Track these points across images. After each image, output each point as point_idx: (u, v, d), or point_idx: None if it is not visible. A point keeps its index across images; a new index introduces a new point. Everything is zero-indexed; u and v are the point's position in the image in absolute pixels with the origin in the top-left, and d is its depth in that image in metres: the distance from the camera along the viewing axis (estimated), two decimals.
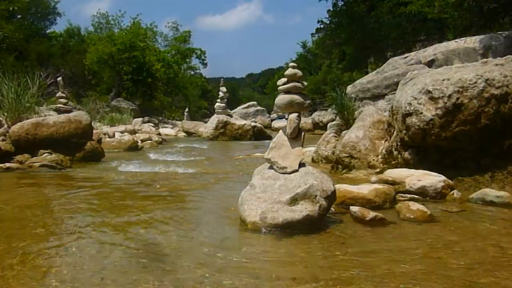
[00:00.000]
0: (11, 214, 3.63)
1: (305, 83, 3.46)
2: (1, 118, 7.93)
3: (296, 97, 3.37)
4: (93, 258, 2.50)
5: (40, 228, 3.18)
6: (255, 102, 36.47)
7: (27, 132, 6.98)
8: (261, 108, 34.90)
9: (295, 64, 3.43)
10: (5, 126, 7.66)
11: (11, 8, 20.84)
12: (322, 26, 30.75)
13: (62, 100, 11.45)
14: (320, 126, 21.26)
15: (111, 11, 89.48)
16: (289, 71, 3.39)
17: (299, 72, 3.39)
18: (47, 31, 34.52)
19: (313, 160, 7.06)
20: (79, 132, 7.49)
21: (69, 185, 5.18)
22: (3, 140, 7.00)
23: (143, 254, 2.58)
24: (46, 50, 29.36)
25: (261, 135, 15.91)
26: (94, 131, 8.48)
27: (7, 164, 6.28)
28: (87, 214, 3.67)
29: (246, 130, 15.52)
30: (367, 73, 19.30)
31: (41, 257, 2.50)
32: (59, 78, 11.86)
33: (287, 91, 3.42)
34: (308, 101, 3.41)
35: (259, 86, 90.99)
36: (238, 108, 33.87)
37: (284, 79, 3.43)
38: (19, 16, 29.43)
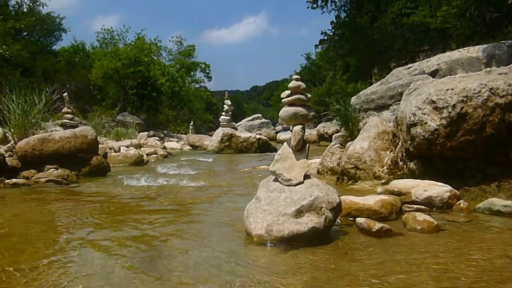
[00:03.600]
0: (18, 229, 3.64)
1: (309, 95, 3.46)
2: (8, 134, 7.99)
3: (300, 109, 3.38)
4: (98, 272, 2.50)
5: (45, 243, 3.19)
6: (260, 115, 36.60)
7: (34, 147, 7.02)
8: (266, 120, 34.99)
9: (298, 77, 3.45)
10: (12, 142, 7.72)
11: (17, 26, 21.06)
12: (325, 37, 30.87)
13: (68, 115, 11.57)
14: (325, 138, 21.28)
15: (119, 26, 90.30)
16: (292, 84, 3.40)
17: (303, 85, 3.40)
18: (53, 47, 34.97)
19: (318, 172, 7.05)
20: (85, 147, 7.52)
21: (75, 200, 5.20)
22: (9, 156, 7.04)
23: (148, 268, 2.57)
24: (52, 66, 29.66)
25: (266, 147, 15.91)
26: (99, 146, 8.51)
27: (14, 180, 6.31)
28: (93, 229, 3.67)
29: (251, 143, 15.54)
30: (371, 84, 19.33)
31: (46, 272, 2.50)
32: (65, 94, 11.99)
33: (291, 104, 3.43)
34: (312, 113, 3.42)
35: (263, 99, 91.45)
36: (243, 120, 33.97)
37: (287, 92, 3.44)
38: (25, 34, 29.77)
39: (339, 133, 8.61)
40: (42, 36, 34.60)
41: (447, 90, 4.52)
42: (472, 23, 14.07)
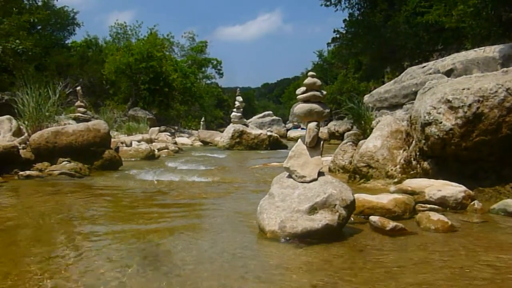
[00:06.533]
0: (32, 221, 3.67)
1: (324, 92, 3.45)
2: (22, 127, 8.07)
3: (315, 106, 3.36)
4: (112, 266, 2.51)
5: (59, 234, 3.22)
6: (270, 112, 36.67)
7: (47, 140, 7.08)
8: (277, 117, 35.04)
9: (314, 73, 3.43)
10: (26, 134, 7.79)
11: (32, 20, 21.23)
12: (338, 35, 30.73)
13: (81, 109, 11.65)
14: (336, 136, 21.23)
15: (133, 22, 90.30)
16: (308, 80, 3.39)
17: (318, 81, 3.38)
18: (66, 41, 35.21)
19: (330, 170, 7.03)
20: (98, 140, 7.57)
21: (88, 193, 5.24)
22: (23, 148, 7.11)
23: (162, 262, 2.58)
24: (65, 60, 29.86)
25: (277, 144, 15.91)
26: (111, 140, 8.56)
27: (27, 172, 6.37)
28: (105, 222, 3.70)
29: (262, 140, 15.53)
30: (383, 82, 19.21)
31: (59, 264, 2.52)
32: (78, 88, 12.07)
33: (306, 100, 3.41)
34: (327, 110, 3.40)
35: (274, 96, 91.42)
36: (254, 117, 34.05)
37: (303, 88, 3.42)
38: (39, 27, 30.00)
39: (351, 131, 8.59)
40: (56, 30, 34.82)
41: (463, 89, 4.47)
42: (488, 23, 13.92)
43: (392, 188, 4.37)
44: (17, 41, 17.77)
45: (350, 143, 7.07)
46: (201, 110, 36.87)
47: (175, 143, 16.63)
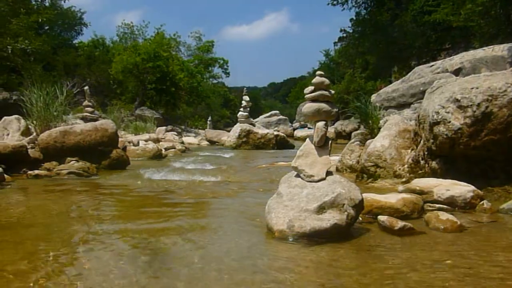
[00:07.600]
0: (40, 220, 3.69)
1: (332, 91, 3.44)
2: (30, 126, 8.12)
3: (323, 106, 3.35)
4: (120, 264, 2.52)
5: (67, 233, 3.24)
6: (277, 111, 36.63)
7: (55, 140, 7.12)
8: (283, 117, 34.99)
9: (322, 73, 3.41)
10: (34, 134, 7.84)
11: (40, 20, 21.34)
12: (345, 35, 30.67)
13: (88, 108, 11.68)
14: (343, 135, 21.16)
15: (140, 22, 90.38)
16: (316, 79, 3.38)
17: (327, 81, 3.37)
18: (74, 41, 35.40)
19: (337, 169, 7.01)
20: (105, 140, 7.60)
21: (96, 192, 5.26)
22: (32, 148, 7.15)
23: (170, 261, 2.59)
24: (73, 60, 30.01)
25: (284, 144, 15.90)
26: (119, 139, 8.58)
27: (36, 171, 6.41)
28: (113, 221, 3.71)
29: (269, 139, 15.52)
30: (390, 82, 19.15)
31: (69, 262, 2.54)
32: (86, 87, 12.11)
33: (314, 99, 3.40)
34: (335, 109, 3.39)
35: (281, 95, 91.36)
36: (261, 117, 34.03)
37: (311, 87, 3.41)
38: (46, 28, 30.16)
39: (358, 131, 8.56)
40: (63, 30, 35.02)
41: (472, 88, 4.45)
42: (497, 21, 13.85)
43: (400, 187, 4.35)
44: (26, 41, 17.86)
45: (358, 142, 7.05)
46: (207, 110, 36.91)
47: (182, 142, 16.66)
